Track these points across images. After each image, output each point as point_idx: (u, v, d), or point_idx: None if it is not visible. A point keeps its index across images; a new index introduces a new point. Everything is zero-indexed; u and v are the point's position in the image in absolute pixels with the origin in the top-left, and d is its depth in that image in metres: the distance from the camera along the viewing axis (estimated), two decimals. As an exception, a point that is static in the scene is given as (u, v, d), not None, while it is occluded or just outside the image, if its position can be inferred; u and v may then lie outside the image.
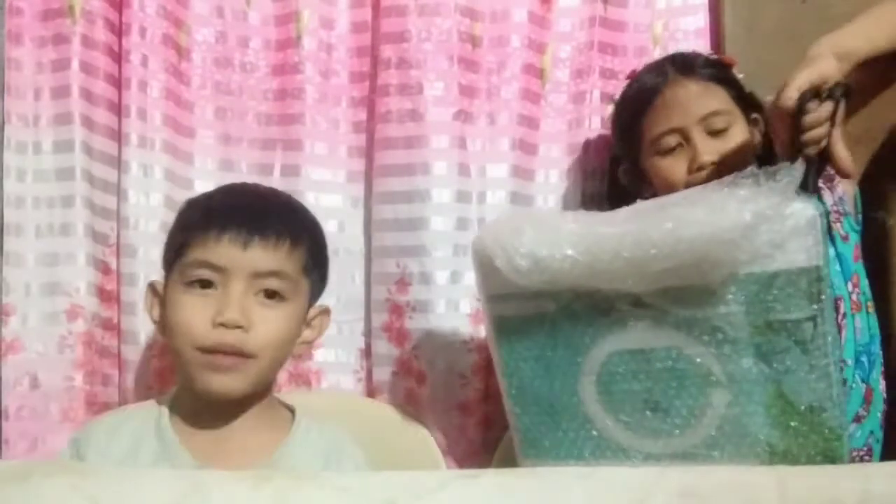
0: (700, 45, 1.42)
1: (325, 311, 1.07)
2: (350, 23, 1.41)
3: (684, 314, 0.82)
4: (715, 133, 1.18)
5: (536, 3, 1.42)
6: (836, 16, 1.40)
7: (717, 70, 1.23)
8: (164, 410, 0.99)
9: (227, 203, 1.01)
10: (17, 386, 1.22)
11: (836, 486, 0.58)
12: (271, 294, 0.96)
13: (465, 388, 1.30)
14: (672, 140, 1.19)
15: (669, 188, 1.19)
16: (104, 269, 1.28)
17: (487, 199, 1.38)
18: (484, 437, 1.32)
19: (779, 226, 0.78)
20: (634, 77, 1.27)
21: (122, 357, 1.28)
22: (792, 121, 0.98)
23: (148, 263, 1.28)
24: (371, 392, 1.37)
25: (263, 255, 0.95)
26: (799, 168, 0.82)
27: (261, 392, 0.99)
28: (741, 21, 1.41)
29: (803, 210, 0.79)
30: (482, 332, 1.32)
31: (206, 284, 0.95)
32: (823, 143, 0.99)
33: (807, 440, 0.80)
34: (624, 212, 0.85)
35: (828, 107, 0.98)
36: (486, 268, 0.88)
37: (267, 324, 0.95)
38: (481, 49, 1.40)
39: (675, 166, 1.19)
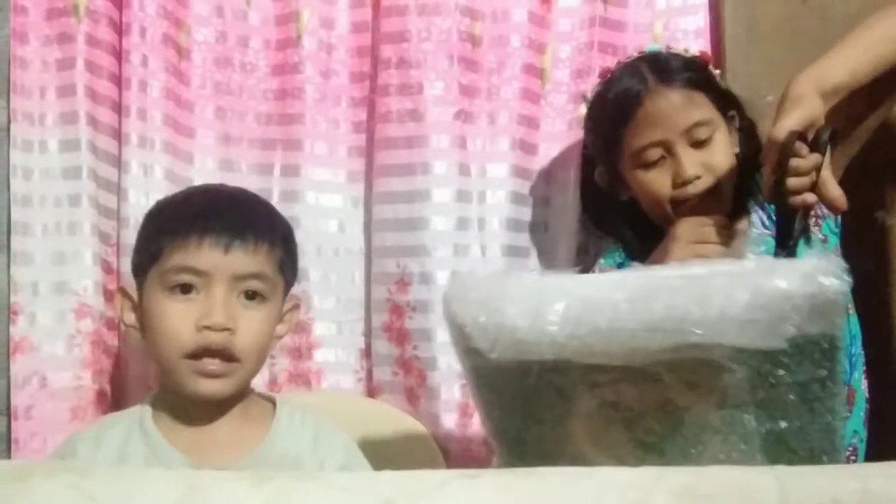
0: (700, 44, 1.42)
1: (296, 306, 1.07)
2: (350, 23, 1.41)
3: (682, 379, 0.77)
4: (698, 143, 1.15)
5: (536, 3, 1.42)
6: (836, 16, 1.40)
7: (695, 73, 1.19)
8: (147, 411, 0.99)
9: (204, 207, 1.00)
10: (26, 385, 1.22)
11: (836, 486, 0.58)
12: (252, 295, 0.97)
13: (465, 388, 1.30)
14: (655, 153, 1.16)
15: (654, 202, 1.18)
16: (107, 268, 1.28)
17: (488, 198, 1.39)
18: (484, 437, 1.31)
19: (798, 305, 0.71)
20: (610, 78, 1.24)
21: (121, 356, 1.29)
22: (777, 162, 0.96)
23: (148, 263, 1.28)
24: (371, 392, 1.37)
25: (244, 258, 0.95)
26: (817, 253, 0.78)
27: (243, 390, 1.00)
28: (741, 21, 1.41)
29: (828, 287, 0.71)
30: (482, 332, 1.32)
31: (186, 289, 0.95)
32: (808, 197, 0.97)
33: None
34: (621, 286, 0.77)
35: (814, 158, 0.97)
36: (459, 330, 0.80)
37: (251, 325, 0.96)
38: (481, 48, 1.40)
39: (659, 180, 1.17)
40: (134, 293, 1.00)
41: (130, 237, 1.28)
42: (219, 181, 1.36)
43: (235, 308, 0.95)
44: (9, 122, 1.26)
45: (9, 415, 1.22)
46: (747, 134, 1.23)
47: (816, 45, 1.41)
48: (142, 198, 1.29)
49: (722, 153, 1.17)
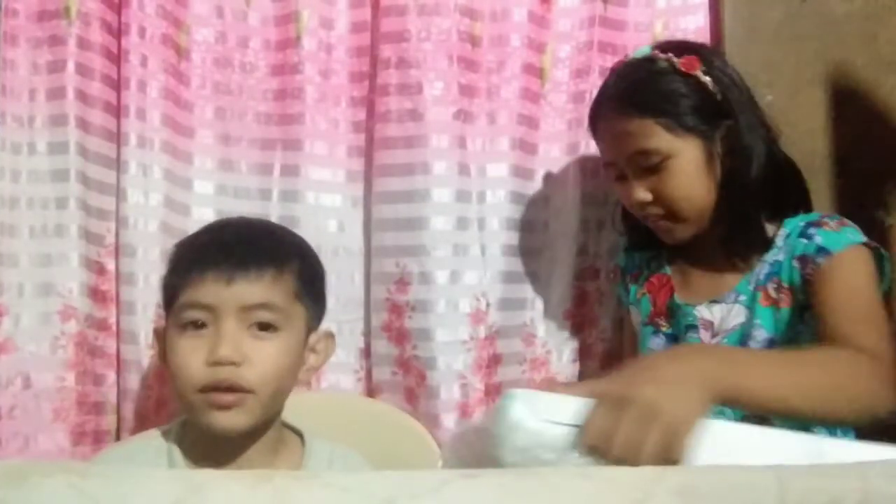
0: (700, 44, 1.42)
1: (330, 336, 1.05)
2: (350, 23, 1.41)
3: None
4: (649, 169, 1.12)
5: (536, 3, 1.42)
6: (835, 16, 1.41)
7: (653, 97, 1.11)
8: (174, 447, 0.97)
9: (209, 241, 1.00)
10: (10, 386, 1.21)
11: (836, 486, 0.58)
12: (264, 326, 0.95)
13: (464, 388, 1.30)
14: (613, 170, 1.18)
15: (630, 208, 1.19)
16: (98, 270, 1.28)
17: (487, 198, 1.39)
18: (484, 437, 1.31)
19: None
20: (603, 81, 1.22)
21: (120, 357, 1.28)
22: None
23: (147, 263, 1.28)
24: (371, 392, 1.37)
25: (248, 289, 0.94)
26: None
27: (268, 421, 0.98)
28: (741, 21, 1.41)
29: None
30: (482, 331, 1.32)
31: (198, 325, 0.94)
32: None
33: None
34: None
35: None
36: None
37: (261, 355, 0.94)
38: (481, 48, 1.40)
39: (622, 192, 1.18)
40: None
41: (130, 237, 1.28)
42: (219, 181, 1.37)
43: (244, 340, 0.94)
44: (-2, 125, 1.26)
45: (-9, 415, 1.22)
46: (739, 146, 1.12)
47: (816, 45, 1.42)
48: (140, 198, 1.29)
49: (676, 181, 1.11)
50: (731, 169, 1.11)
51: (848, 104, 1.40)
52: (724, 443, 0.74)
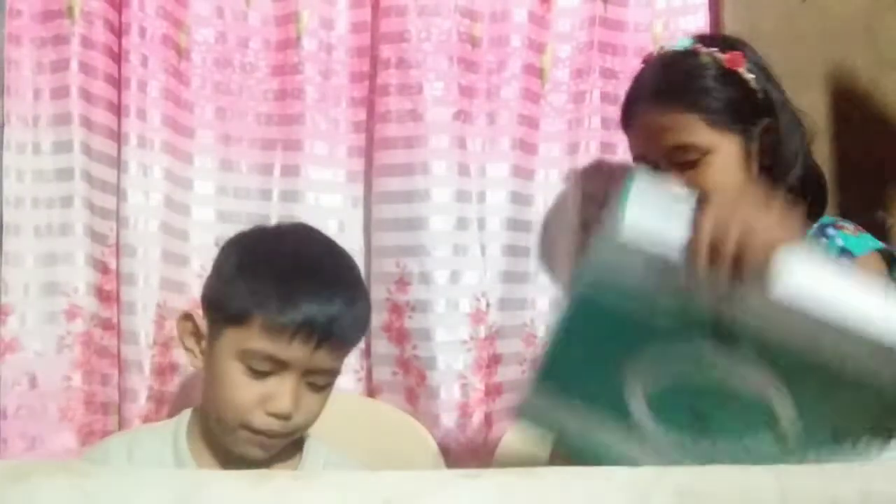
0: (700, 44, 1.42)
1: None
2: (350, 23, 1.41)
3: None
4: (685, 164, 1.09)
5: (536, 3, 1.42)
6: (835, 16, 1.41)
7: (702, 94, 1.09)
8: (182, 437, 0.97)
9: (304, 292, 0.93)
10: (16, 385, 1.21)
11: (836, 486, 0.58)
12: (319, 385, 0.96)
13: (464, 388, 1.30)
14: (643, 164, 1.14)
15: None
16: (103, 269, 1.28)
17: (487, 198, 1.39)
18: (484, 438, 1.32)
19: None
20: (639, 72, 1.18)
21: (121, 356, 1.28)
22: None
23: (147, 263, 1.28)
24: (371, 392, 1.37)
25: (327, 357, 0.93)
26: None
27: None
28: (741, 21, 1.41)
29: None
30: (482, 331, 1.33)
31: (263, 373, 0.92)
32: None
33: None
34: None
35: None
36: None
37: (309, 406, 0.95)
38: (481, 49, 1.40)
39: None
40: (201, 321, 0.96)
41: (130, 237, 1.28)
42: (219, 181, 1.37)
43: (301, 394, 0.93)
44: (2, 124, 1.26)
45: (-2, 415, 1.22)
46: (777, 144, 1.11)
47: (816, 45, 1.42)
48: (141, 198, 1.29)
49: (712, 177, 1.08)
50: (768, 167, 1.10)
51: (848, 104, 1.40)
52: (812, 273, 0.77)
